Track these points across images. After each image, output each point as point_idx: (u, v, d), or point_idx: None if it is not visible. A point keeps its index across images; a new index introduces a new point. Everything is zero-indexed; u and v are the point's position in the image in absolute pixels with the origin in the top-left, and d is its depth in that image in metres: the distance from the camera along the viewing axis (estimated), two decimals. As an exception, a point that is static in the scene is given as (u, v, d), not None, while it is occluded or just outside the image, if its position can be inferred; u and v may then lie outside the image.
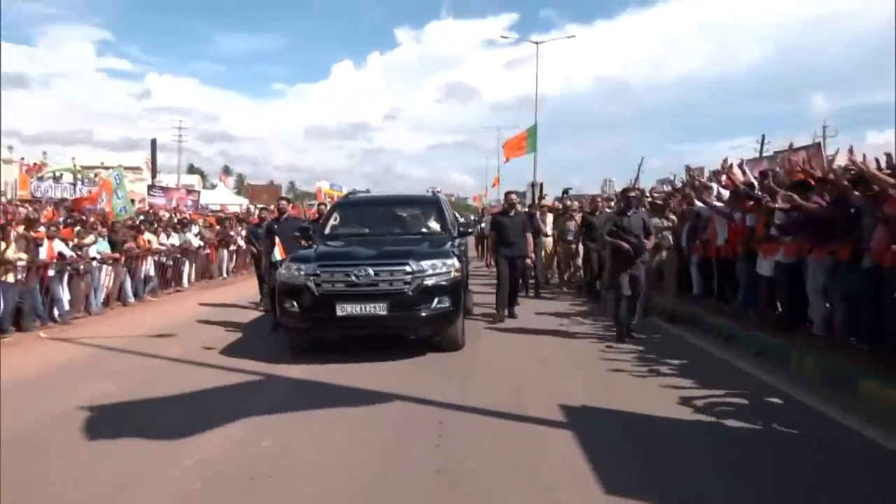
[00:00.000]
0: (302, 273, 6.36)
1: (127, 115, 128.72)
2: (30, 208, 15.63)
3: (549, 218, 13.45)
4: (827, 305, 6.40)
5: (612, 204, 11.34)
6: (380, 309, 6.14)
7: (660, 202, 10.06)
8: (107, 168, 38.89)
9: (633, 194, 7.54)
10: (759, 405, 4.85)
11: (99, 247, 10.52)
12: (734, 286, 8.58)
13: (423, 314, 6.25)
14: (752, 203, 7.70)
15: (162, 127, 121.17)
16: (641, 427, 4.41)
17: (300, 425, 4.54)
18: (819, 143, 11.51)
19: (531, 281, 11.60)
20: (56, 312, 9.42)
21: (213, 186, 53.81)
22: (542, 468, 3.68)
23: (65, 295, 9.64)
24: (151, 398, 5.30)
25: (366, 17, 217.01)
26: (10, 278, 8.36)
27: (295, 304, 6.36)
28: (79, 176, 32.62)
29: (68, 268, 9.71)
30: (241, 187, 74.82)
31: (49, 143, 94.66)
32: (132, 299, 11.39)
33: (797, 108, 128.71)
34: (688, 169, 12.41)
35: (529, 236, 9.32)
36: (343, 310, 6.14)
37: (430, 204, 8.44)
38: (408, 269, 6.26)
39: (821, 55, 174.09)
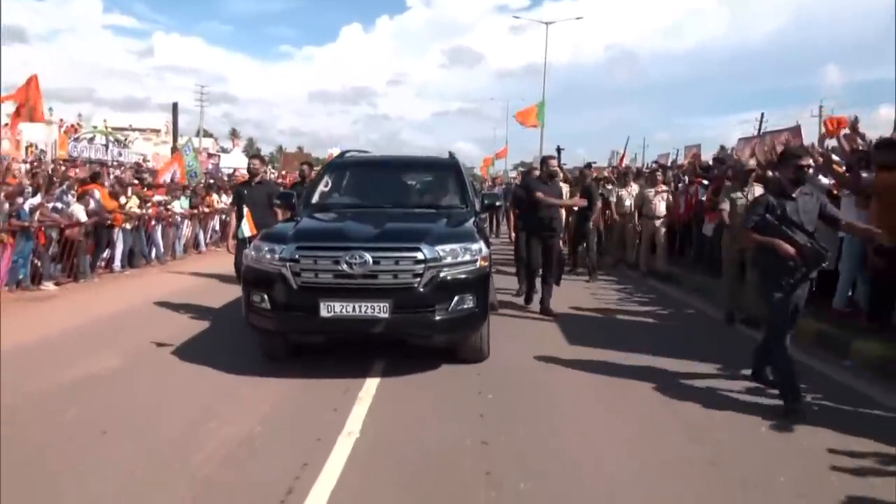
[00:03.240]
0: (276, 257, 4.83)
1: (131, 73, 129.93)
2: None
3: (566, 189, 11.36)
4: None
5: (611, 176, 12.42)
6: (380, 310, 4.67)
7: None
8: (134, 130, 41.26)
9: (805, 162, 4.40)
10: (680, 314, 7.68)
11: (182, 203, 13.01)
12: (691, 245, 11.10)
13: (438, 318, 4.77)
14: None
15: (167, 86, 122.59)
16: (608, 324, 6.98)
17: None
18: (799, 127, 13.59)
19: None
20: (154, 254, 11.93)
21: (224, 150, 55.93)
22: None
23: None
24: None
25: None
26: (128, 226, 10.83)
27: (265, 298, 4.86)
28: (110, 138, 34.97)
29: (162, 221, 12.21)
30: (252, 151, 76.50)
31: (50, 100, 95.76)
32: (203, 247, 13.93)
33: (811, 81, 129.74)
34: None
35: (563, 211, 7.89)
36: (329, 309, 4.67)
37: (446, 169, 6.84)
38: (419, 255, 4.76)
39: (836, 27, 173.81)
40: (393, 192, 6.53)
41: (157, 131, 46.07)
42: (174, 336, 6.09)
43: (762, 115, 12.05)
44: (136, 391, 4.68)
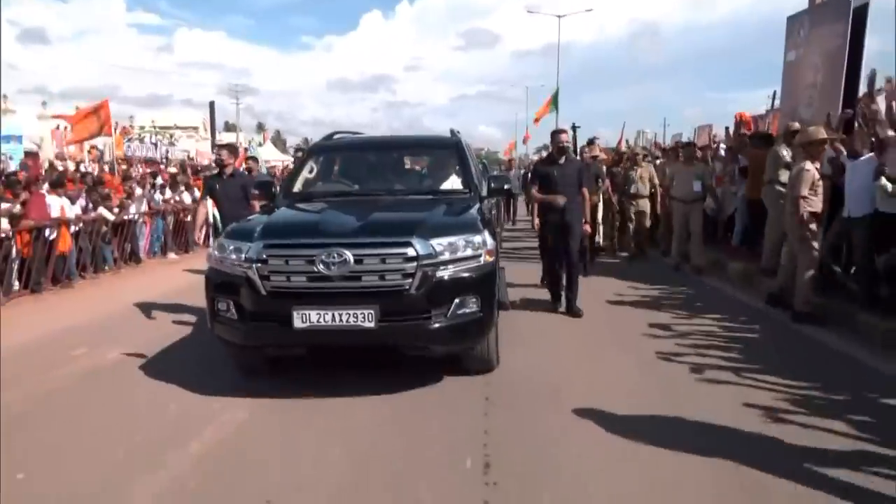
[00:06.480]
0: (241, 258, 4.21)
1: (155, 70, 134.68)
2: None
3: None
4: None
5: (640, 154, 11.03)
6: (365, 318, 4.03)
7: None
8: (179, 128, 44.53)
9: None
10: (669, 274, 9.19)
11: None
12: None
13: (436, 325, 4.15)
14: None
15: (189, 82, 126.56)
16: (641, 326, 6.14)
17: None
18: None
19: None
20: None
21: (258, 144, 58.97)
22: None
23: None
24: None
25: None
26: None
27: (231, 306, 4.29)
28: (160, 136, 38.38)
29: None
30: (279, 143, 79.62)
31: (75, 99, 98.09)
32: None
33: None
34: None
35: (585, 192, 6.84)
36: (305, 319, 4.05)
37: (446, 149, 6.14)
38: (410, 251, 4.09)
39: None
40: (386, 176, 5.96)
41: (195, 129, 49.39)
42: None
43: (774, 92, 11.23)
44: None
